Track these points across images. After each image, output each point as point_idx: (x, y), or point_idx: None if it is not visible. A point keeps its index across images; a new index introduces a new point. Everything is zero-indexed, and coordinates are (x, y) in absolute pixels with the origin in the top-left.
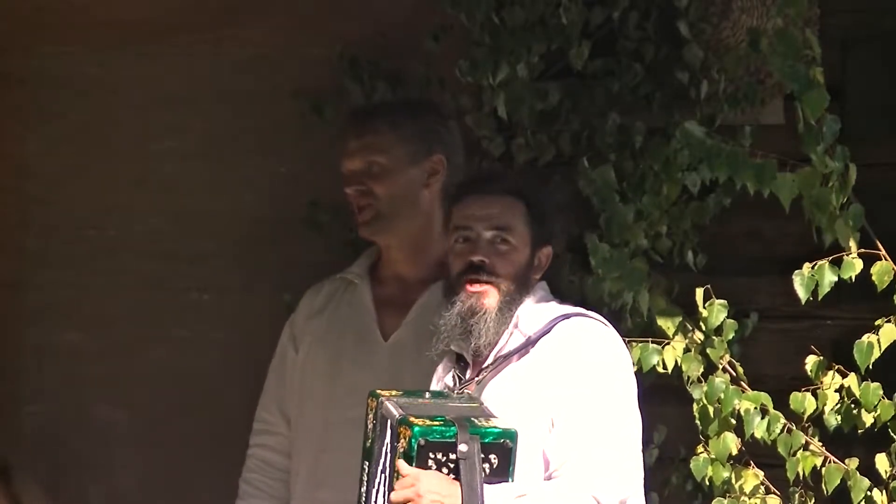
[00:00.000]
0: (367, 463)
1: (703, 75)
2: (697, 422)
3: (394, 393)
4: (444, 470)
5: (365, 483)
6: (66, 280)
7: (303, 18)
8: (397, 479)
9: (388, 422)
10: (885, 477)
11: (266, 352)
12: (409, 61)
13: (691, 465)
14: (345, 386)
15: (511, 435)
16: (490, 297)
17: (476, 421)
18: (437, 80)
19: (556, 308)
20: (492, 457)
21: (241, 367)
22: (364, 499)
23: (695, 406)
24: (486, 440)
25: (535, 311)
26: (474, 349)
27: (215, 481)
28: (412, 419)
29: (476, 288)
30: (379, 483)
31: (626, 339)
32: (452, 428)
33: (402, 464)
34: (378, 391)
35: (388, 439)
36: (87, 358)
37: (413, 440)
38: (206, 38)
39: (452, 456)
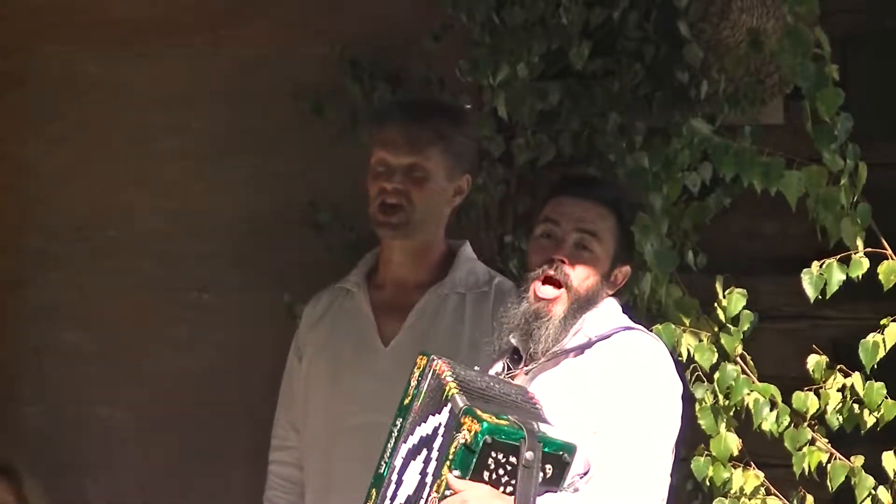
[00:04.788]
0: (400, 419)
1: (703, 75)
2: (701, 421)
3: (444, 358)
4: (501, 471)
5: (394, 438)
6: (66, 280)
7: (303, 18)
8: (444, 485)
9: (449, 406)
10: (892, 476)
11: (266, 352)
12: (409, 61)
13: (692, 465)
14: (346, 394)
15: (570, 449)
16: (559, 304)
17: (537, 425)
18: (437, 80)
19: (621, 319)
20: (547, 466)
21: (241, 367)
22: (390, 453)
23: (697, 406)
24: (546, 449)
25: (601, 318)
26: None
27: (215, 481)
28: (479, 413)
29: (547, 294)
30: (418, 452)
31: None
32: (520, 432)
33: (451, 478)
34: (430, 353)
35: (443, 419)
36: (87, 358)
37: (480, 436)
38: (206, 38)
39: (512, 459)
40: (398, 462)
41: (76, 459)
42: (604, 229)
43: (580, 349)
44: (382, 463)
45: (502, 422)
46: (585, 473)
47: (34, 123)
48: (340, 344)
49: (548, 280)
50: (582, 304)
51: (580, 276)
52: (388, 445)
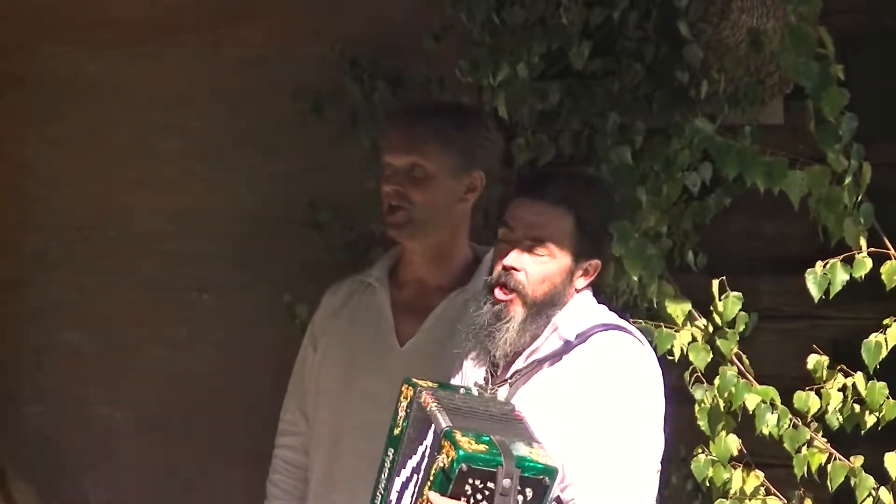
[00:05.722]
0: (391, 450)
1: (703, 75)
2: (700, 422)
3: (430, 384)
4: (479, 496)
5: (387, 470)
6: (66, 280)
7: (303, 18)
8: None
9: (432, 427)
10: (894, 477)
11: (266, 352)
12: (409, 61)
13: (692, 466)
14: (359, 391)
15: (552, 472)
16: (516, 305)
17: (519, 446)
18: (437, 80)
19: (596, 315)
20: (527, 490)
21: (240, 367)
22: (384, 486)
23: (697, 407)
24: (526, 474)
25: (575, 316)
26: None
27: (215, 481)
28: (458, 437)
29: (503, 296)
30: (409, 481)
31: (637, 321)
32: (498, 458)
33: (432, 496)
34: (414, 379)
35: (428, 443)
36: (87, 358)
37: (455, 463)
38: (206, 38)
39: (490, 484)
40: (394, 496)
41: (76, 459)
42: (557, 231)
43: (558, 355)
44: (378, 494)
45: (481, 447)
46: (562, 485)
47: (34, 123)
48: (356, 339)
49: (502, 286)
50: (541, 307)
51: (534, 281)
52: (382, 477)
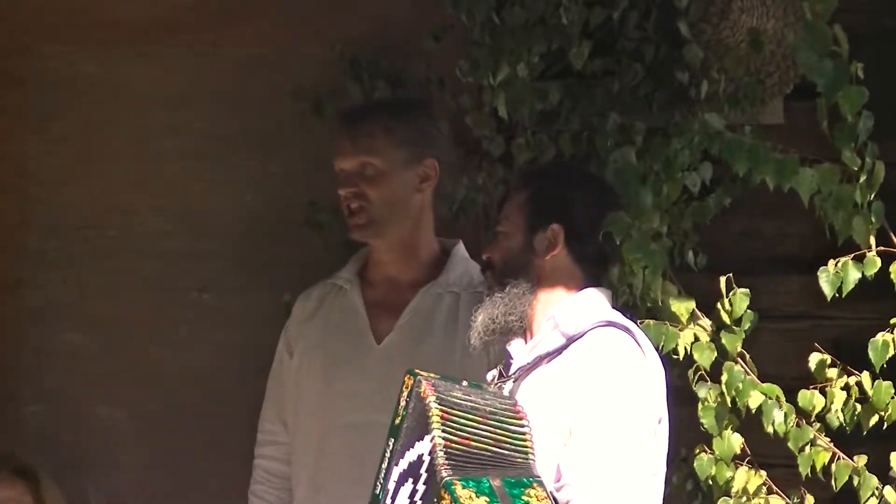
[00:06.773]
0: (392, 440)
1: (703, 75)
2: (703, 420)
3: (431, 375)
4: None
5: (387, 460)
6: (66, 280)
7: (303, 18)
8: None
9: (429, 435)
10: None
11: (266, 352)
12: (409, 61)
13: (695, 465)
14: (340, 391)
15: None
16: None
17: (519, 489)
18: (437, 80)
19: (597, 311)
20: None
21: (240, 367)
22: (384, 475)
23: (700, 405)
24: None
25: (577, 312)
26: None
27: (215, 481)
28: (458, 492)
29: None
30: (405, 480)
31: (641, 321)
32: None
33: None
34: (417, 370)
35: (425, 449)
36: (87, 358)
37: None
38: (206, 38)
39: None
40: (391, 486)
41: (76, 459)
42: (514, 209)
43: (558, 351)
44: (378, 483)
45: (481, 500)
46: (558, 485)
47: (34, 123)
48: (334, 341)
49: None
50: (500, 273)
51: (496, 258)
52: (383, 466)
